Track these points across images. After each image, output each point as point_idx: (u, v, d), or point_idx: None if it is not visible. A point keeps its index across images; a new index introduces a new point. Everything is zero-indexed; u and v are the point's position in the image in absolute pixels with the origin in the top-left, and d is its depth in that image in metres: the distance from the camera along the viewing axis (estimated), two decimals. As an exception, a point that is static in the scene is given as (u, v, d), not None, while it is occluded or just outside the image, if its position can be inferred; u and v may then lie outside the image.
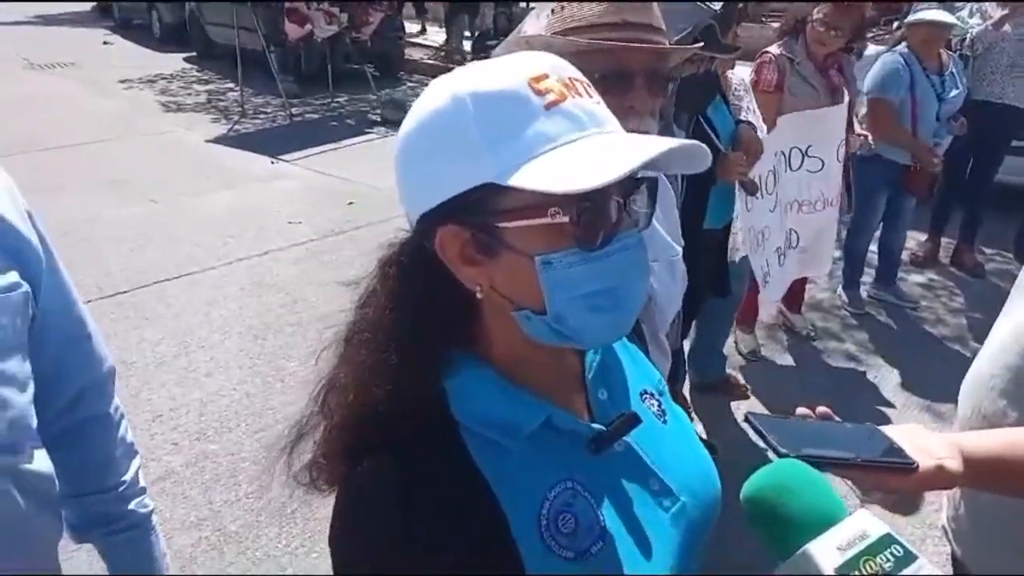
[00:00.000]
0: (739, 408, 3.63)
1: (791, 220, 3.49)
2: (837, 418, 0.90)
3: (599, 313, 0.74)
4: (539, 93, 0.71)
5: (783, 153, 3.29)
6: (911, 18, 4.19)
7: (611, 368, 0.90)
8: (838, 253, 5.23)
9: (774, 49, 3.53)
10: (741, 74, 3.21)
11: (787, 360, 4.10)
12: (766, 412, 3.44)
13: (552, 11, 1.46)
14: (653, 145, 0.70)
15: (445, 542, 0.72)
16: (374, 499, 0.75)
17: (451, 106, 0.72)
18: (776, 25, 3.93)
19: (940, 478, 0.86)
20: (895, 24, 10.19)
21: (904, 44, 4.23)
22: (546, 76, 0.73)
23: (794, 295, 4.22)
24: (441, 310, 0.78)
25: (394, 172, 0.79)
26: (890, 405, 3.72)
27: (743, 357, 4.05)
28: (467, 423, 0.78)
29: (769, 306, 3.88)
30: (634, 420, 0.83)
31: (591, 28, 1.39)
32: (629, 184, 0.74)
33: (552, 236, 0.71)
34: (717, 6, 2.65)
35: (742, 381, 3.80)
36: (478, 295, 0.76)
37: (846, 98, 3.56)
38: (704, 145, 0.75)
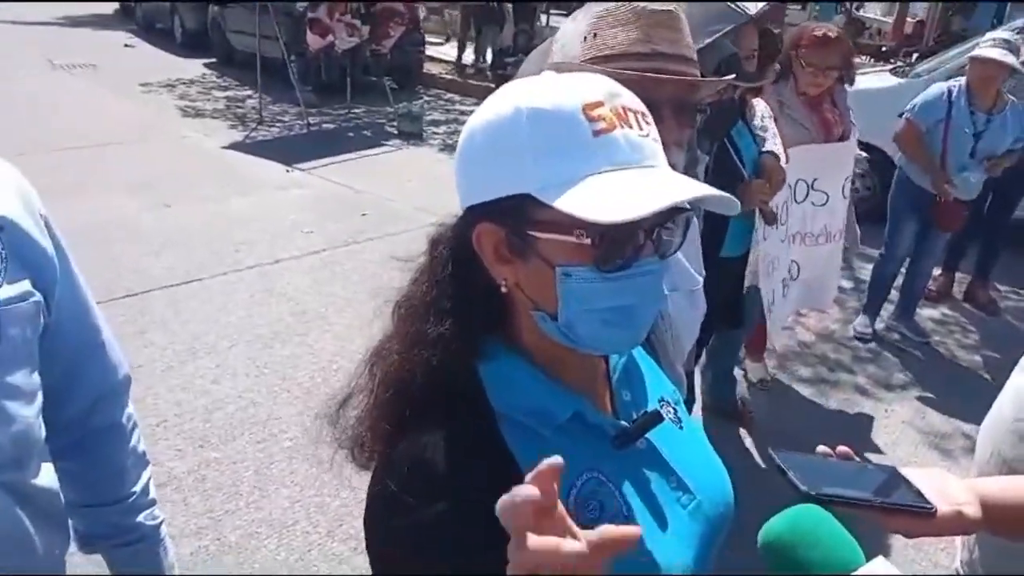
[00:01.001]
0: (747, 437, 3.60)
1: (794, 252, 3.47)
2: (857, 458, 0.89)
3: (608, 327, 0.80)
4: (591, 119, 0.76)
5: (789, 185, 3.27)
6: (971, 53, 4.19)
7: (633, 373, 0.96)
8: (850, 284, 5.24)
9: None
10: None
11: (797, 390, 4.07)
12: (776, 442, 3.42)
13: (584, 38, 1.45)
14: (683, 189, 0.75)
15: (477, 521, 0.73)
16: (414, 475, 0.78)
17: (511, 115, 0.77)
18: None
19: (959, 524, 0.85)
20: (914, 56, 10.26)
21: (963, 76, 4.23)
22: (601, 104, 0.77)
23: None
24: (478, 294, 0.84)
25: (455, 160, 0.84)
26: (899, 440, 3.69)
27: (753, 386, 4.01)
28: (501, 408, 0.83)
29: (778, 335, 3.85)
30: (657, 418, 0.88)
31: (622, 57, 1.38)
32: (664, 214, 0.77)
33: (575, 252, 0.76)
34: (752, 8, 2.65)
35: (751, 410, 3.76)
36: (503, 289, 0.82)
37: (854, 136, 3.53)
38: (735, 199, 0.80)
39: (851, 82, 3.53)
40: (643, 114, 0.80)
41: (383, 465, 0.83)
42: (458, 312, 0.83)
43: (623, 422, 0.88)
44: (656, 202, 0.71)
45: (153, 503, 1.30)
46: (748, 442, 3.55)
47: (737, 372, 3.96)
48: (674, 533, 0.86)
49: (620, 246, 0.76)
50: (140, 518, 1.27)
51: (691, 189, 0.75)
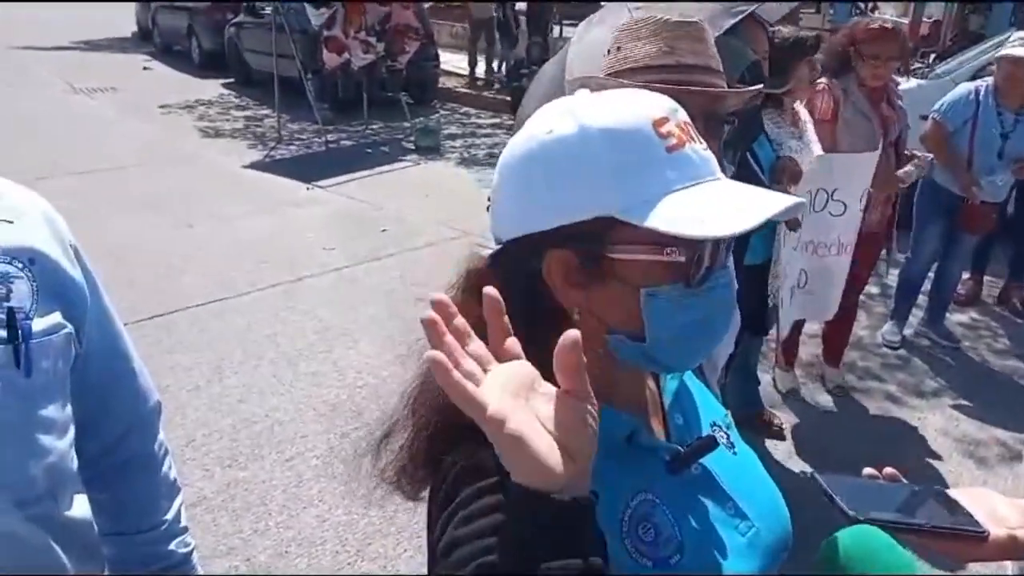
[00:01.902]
0: (776, 448, 3.56)
1: (803, 260, 3.43)
2: (904, 479, 0.87)
3: (691, 342, 0.79)
4: (662, 136, 0.75)
5: (810, 192, 3.25)
6: (999, 52, 4.14)
7: (684, 398, 0.94)
8: (876, 290, 5.18)
9: (826, 80, 3.51)
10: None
11: (826, 400, 4.02)
12: (805, 453, 3.37)
13: (608, 51, 1.45)
14: (778, 200, 0.75)
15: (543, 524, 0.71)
16: (476, 474, 0.75)
17: (578, 135, 0.75)
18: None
19: (1011, 548, 0.82)
20: (932, 56, 10.17)
21: (991, 76, 4.18)
22: (667, 120, 0.76)
23: (833, 349, 4.10)
24: (538, 324, 0.78)
25: (497, 186, 0.81)
26: (932, 449, 3.62)
27: (781, 396, 3.97)
28: None
29: (783, 331, 3.77)
30: (712, 443, 0.86)
31: (646, 70, 1.37)
32: None
33: (659, 271, 0.75)
34: (771, 9, 2.63)
35: (778, 421, 3.72)
36: (575, 317, 0.79)
37: (878, 150, 3.50)
38: (805, 200, 0.80)
39: (906, 70, 3.56)
40: (695, 129, 0.80)
41: (443, 472, 0.78)
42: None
43: (677, 446, 0.86)
44: (756, 215, 0.71)
45: (185, 530, 1.29)
46: (778, 454, 3.51)
47: (766, 383, 3.93)
48: (733, 561, 0.83)
49: (708, 260, 0.76)
50: (172, 546, 1.26)
51: (783, 201, 0.75)
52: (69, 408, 1.04)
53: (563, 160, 0.75)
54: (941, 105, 4.23)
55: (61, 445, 1.00)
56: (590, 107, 0.77)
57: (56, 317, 1.00)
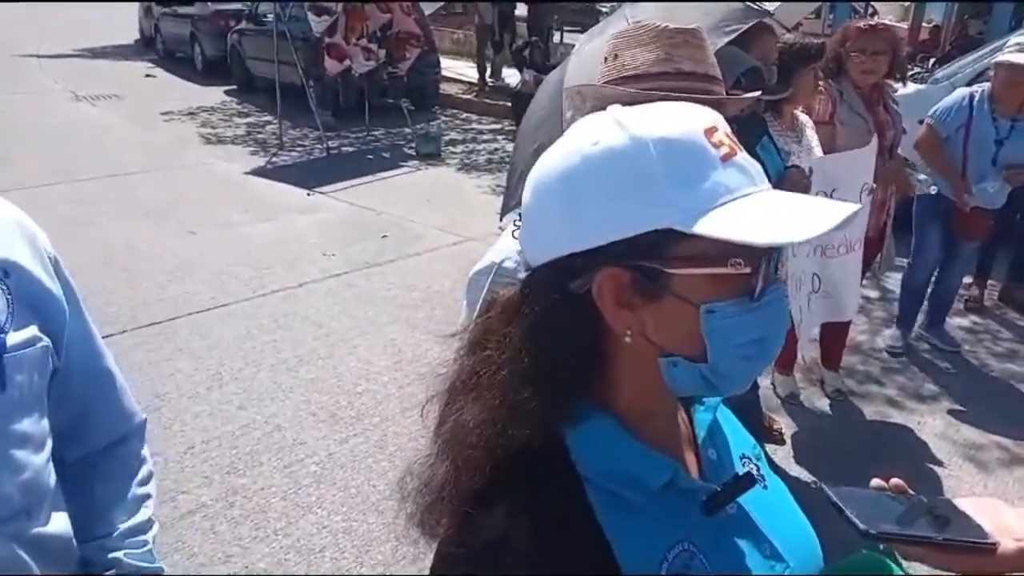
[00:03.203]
0: (775, 452, 3.55)
1: (814, 265, 3.44)
2: (911, 491, 0.86)
3: (748, 361, 0.75)
4: (715, 145, 0.72)
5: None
6: (997, 58, 4.11)
7: (716, 430, 0.90)
8: (876, 294, 5.18)
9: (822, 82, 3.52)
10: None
11: (825, 404, 4.01)
12: (804, 457, 3.36)
13: (605, 59, 1.44)
14: (838, 209, 0.71)
15: None
16: (498, 549, 0.73)
17: (631, 147, 0.71)
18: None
19: (1020, 561, 0.79)
20: (931, 61, 10.17)
21: (987, 82, 4.16)
22: (716, 129, 0.73)
23: (831, 352, 4.09)
24: (581, 354, 0.76)
25: (533, 205, 0.77)
26: (932, 453, 3.61)
27: (781, 400, 3.96)
28: (592, 476, 0.76)
29: (807, 348, 3.80)
30: (750, 481, 0.82)
31: (645, 77, 1.37)
32: None
33: (719, 285, 0.72)
34: (770, 7, 2.64)
35: (778, 425, 3.71)
36: (627, 339, 0.74)
37: (874, 140, 3.51)
38: (862, 207, 0.76)
39: (903, 75, 3.56)
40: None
41: (466, 532, 0.76)
42: (555, 376, 0.75)
43: (714, 485, 0.82)
44: (824, 221, 0.69)
45: (141, 545, 1.19)
46: (777, 459, 3.50)
47: (765, 387, 3.92)
48: None
49: (770, 271, 0.73)
50: (116, 555, 1.16)
51: (841, 208, 0.71)
52: (46, 422, 1.02)
53: (615, 172, 0.71)
54: (935, 110, 4.21)
55: (37, 460, 0.99)
56: (639, 118, 0.74)
57: (32, 330, 0.99)
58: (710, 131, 0.73)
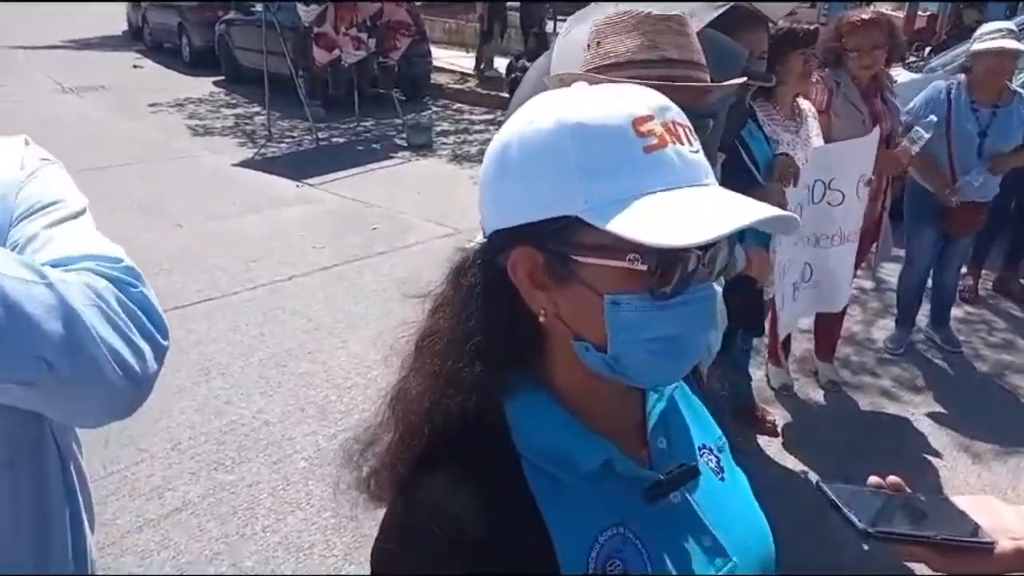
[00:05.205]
0: (769, 444, 3.52)
1: (807, 254, 3.40)
2: (908, 489, 0.84)
3: (658, 357, 0.74)
4: (641, 135, 0.70)
5: (807, 186, 3.21)
6: (975, 47, 3.98)
7: (672, 419, 0.88)
8: (870, 284, 5.15)
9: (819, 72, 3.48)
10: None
11: (819, 396, 3.98)
12: (798, 448, 3.34)
13: (588, 46, 1.40)
14: (751, 211, 0.69)
15: (493, 572, 0.72)
16: (431, 516, 0.74)
17: (553, 130, 0.71)
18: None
19: (1016, 561, 0.78)
20: (927, 50, 10.15)
21: (963, 72, 4.07)
22: (651, 118, 0.71)
23: (824, 344, 4.07)
24: (511, 326, 0.77)
25: (481, 176, 0.78)
26: (926, 444, 3.59)
27: (774, 392, 3.93)
28: (525, 452, 0.77)
29: (784, 330, 3.73)
30: (693, 472, 0.82)
31: (629, 65, 1.33)
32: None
33: (624, 279, 0.71)
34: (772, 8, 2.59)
35: (771, 417, 3.68)
36: (540, 318, 0.76)
37: (876, 130, 3.47)
38: (797, 218, 0.76)
39: (902, 59, 3.53)
40: (691, 129, 0.75)
41: (401, 501, 0.79)
42: (489, 347, 0.76)
43: (658, 473, 0.81)
44: (723, 225, 0.66)
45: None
46: (770, 451, 3.48)
47: (758, 379, 3.89)
48: None
49: (676, 271, 0.70)
50: None
51: (756, 211, 0.69)
52: None
53: (536, 154, 0.72)
54: (911, 106, 4.08)
55: None
56: (572, 102, 0.73)
57: None
58: (641, 120, 0.71)
